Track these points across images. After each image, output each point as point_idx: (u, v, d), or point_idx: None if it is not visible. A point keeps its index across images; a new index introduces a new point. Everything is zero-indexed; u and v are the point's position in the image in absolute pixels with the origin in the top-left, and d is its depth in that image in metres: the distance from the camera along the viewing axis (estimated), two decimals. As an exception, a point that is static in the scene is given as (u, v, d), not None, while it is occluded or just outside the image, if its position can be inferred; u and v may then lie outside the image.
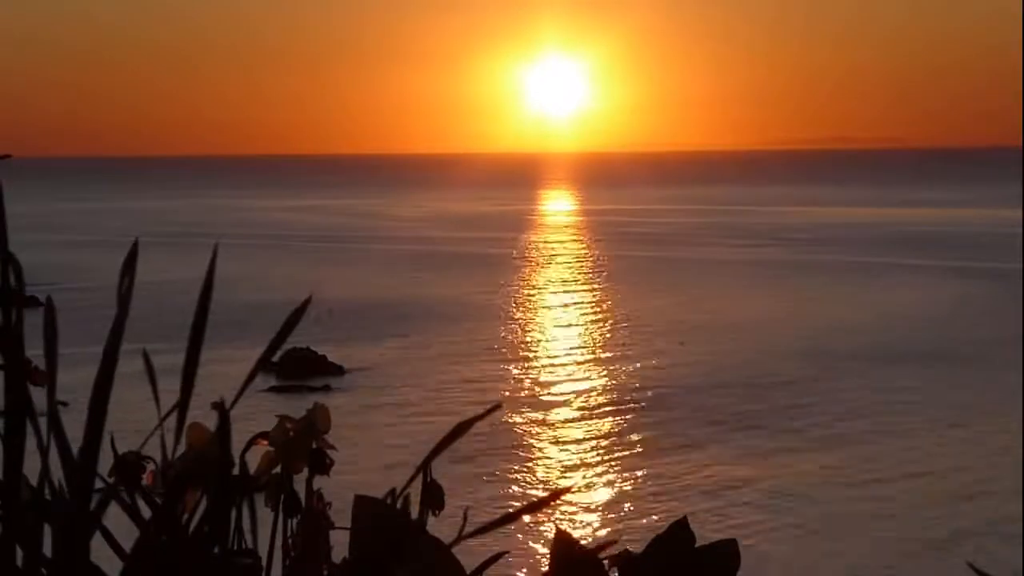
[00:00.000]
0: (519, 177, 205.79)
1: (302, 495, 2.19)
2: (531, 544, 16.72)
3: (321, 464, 2.18)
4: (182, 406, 1.75)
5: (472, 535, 1.81)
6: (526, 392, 29.51)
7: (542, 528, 17.41)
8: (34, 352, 1.80)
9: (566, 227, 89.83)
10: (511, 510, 1.75)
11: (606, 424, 26.76)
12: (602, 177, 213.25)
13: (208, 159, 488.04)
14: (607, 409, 28.15)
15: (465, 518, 2.01)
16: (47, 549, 1.74)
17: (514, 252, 66.81)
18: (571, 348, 36.13)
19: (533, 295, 48.07)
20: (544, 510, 15.13)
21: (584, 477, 22.82)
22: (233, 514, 1.89)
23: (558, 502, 19.69)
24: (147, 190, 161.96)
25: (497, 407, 1.77)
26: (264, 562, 2.04)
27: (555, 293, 49.36)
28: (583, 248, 72.05)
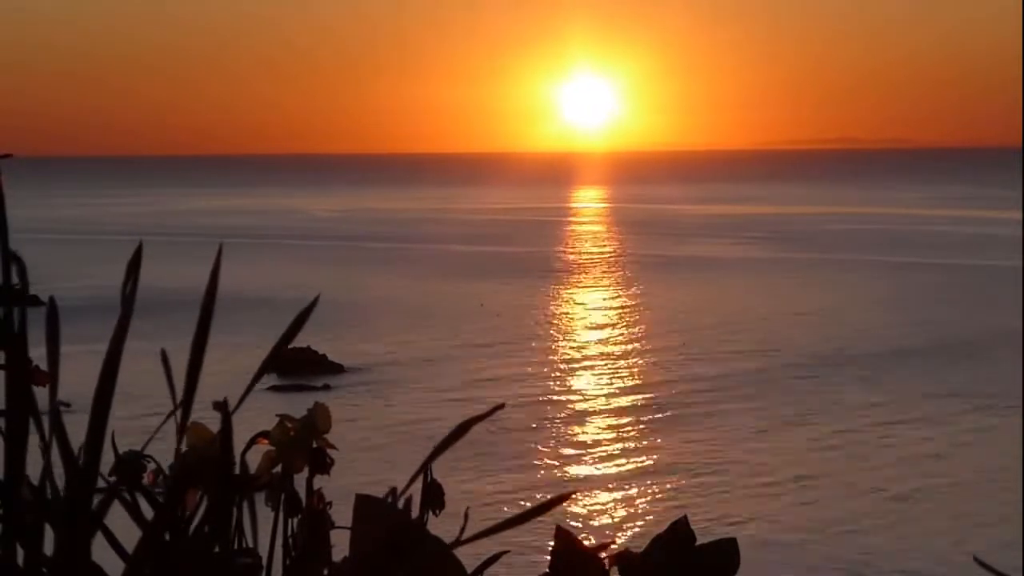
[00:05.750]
0: (540, 176, 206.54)
1: (302, 495, 2.19)
2: (532, 542, 16.72)
3: (321, 463, 2.19)
4: (185, 406, 1.75)
5: (472, 540, 1.81)
6: (526, 392, 29.50)
7: (544, 526, 17.40)
8: (37, 351, 1.80)
9: (582, 224, 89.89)
10: (511, 514, 1.75)
11: (605, 425, 26.76)
12: (620, 176, 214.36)
13: (267, 157, 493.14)
14: (607, 410, 28.14)
15: (466, 518, 2.01)
16: (48, 548, 1.74)
17: (514, 252, 66.83)
18: (572, 349, 36.12)
19: (534, 295, 48.06)
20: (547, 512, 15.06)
21: (583, 476, 22.81)
22: (234, 513, 1.90)
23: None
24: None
25: (499, 407, 1.77)
26: (264, 561, 2.05)
27: (559, 293, 49.33)
28: (598, 245, 72.02)
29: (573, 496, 21.24)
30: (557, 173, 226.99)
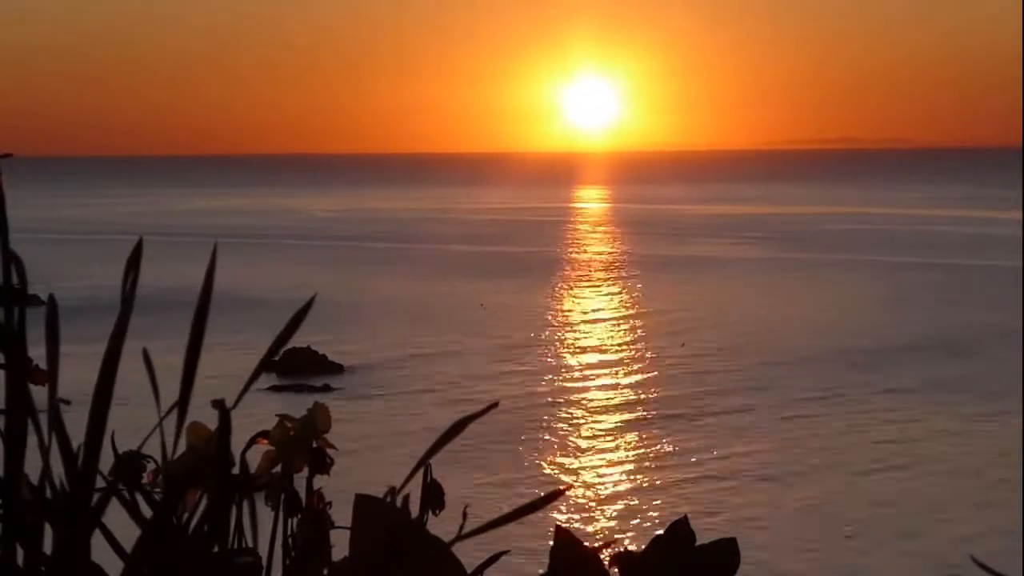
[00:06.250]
0: (542, 176, 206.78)
1: (302, 494, 2.19)
2: (532, 542, 16.72)
3: (321, 463, 2.19)
4: (182, 405, 1.75)
5: (471, 535, 1.81)
6: (525, 391, 29.50)
7: (544, 525, 17.41)
8: (37, 351, 1.80)
9: (584, 224, 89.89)
10: (509, 510, 1.75)
11: (604, 424, 26.76)
12: (621, 176, 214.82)
13: (267, 157, 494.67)
14: (606, 408, 28.15)
15: (464, 516, 2.01)
16: (48, 547, 1.74)
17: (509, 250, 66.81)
18: (572, 349, 36.11)
19: (534, 295, 48.06)
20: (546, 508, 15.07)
21: (581, 475, 22.82)
22: (233, 513, 1.90)
23: (562, 499, 19.69)
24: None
25: (494, 405, 1.77)
26: (264, 561, 2.05)
27: (560, 293, 49.33)
28: (599, 245, 72.02)
29: (567, 493, 21.22)
30: (559, 173, 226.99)
